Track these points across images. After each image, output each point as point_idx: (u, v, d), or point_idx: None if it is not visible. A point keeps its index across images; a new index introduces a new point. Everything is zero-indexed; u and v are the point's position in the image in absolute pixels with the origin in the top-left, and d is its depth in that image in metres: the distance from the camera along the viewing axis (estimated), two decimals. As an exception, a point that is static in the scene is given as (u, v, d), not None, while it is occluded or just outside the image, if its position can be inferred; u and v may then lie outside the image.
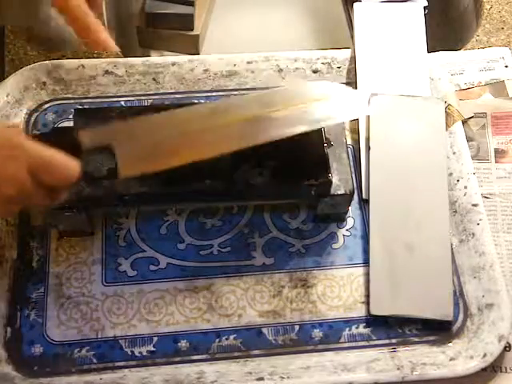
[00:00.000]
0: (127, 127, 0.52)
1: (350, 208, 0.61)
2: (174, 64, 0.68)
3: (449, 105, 0.66)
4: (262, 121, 0.53)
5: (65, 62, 0.67)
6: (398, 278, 0.57)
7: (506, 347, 0.56)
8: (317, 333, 0.56)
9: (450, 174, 0.62)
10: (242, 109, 0.53)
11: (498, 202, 0.63)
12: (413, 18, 0.70)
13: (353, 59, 0.69)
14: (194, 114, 0.54)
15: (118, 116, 0.57)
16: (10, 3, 0.69)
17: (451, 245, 0.60)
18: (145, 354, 0.55)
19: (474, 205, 0.60)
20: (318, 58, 0.69)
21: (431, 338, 0.56)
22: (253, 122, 0.53)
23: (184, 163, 0.50)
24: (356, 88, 0.66)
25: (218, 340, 0.56)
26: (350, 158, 0.63)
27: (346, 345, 0.56)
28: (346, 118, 0.53)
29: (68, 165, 0.46)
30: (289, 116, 0.53)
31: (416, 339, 0.56)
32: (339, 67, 0.69)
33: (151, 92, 0.67)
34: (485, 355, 0.54)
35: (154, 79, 0.67)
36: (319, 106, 0.53)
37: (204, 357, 0.55)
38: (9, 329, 0.55)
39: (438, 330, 0.56)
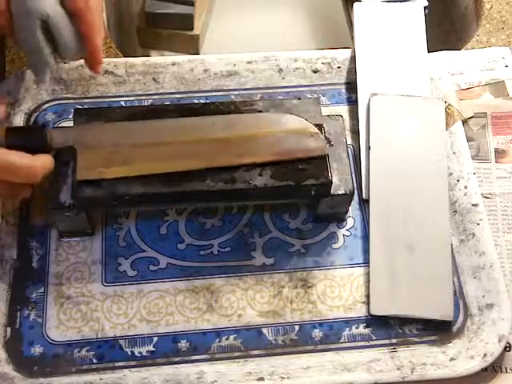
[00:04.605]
0: (96, 131, 0.56)
1: (350, 208, 0.61)
2: (173, 64, 0.68)
3: (449, 105, 0.66)
4: (228, 143, 0.55)
5: (65, 61, 0.67)
6: (398, 278, 0.57)
7: (506, 347, 0.56)
8: (317, 333, 0.56)
9: (450, 174, 0.62)
10: (210, 129, 0.56)
11: (497, 201, 0.63)
12: (413, 18, 0.70)
13: (353, 59, 0.69)
14: (164, 126, 0.56)
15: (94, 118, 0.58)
16: None
17: (451, 245, 0.60)
18: (145, 354, 0.55)
19: (474, 205, 0.60)
20: (318, 58, 0.69)
21: (431, 337, 0.56)
22: (218, 143, 0.55)
23: (139, 173, 0.54)
24: (356, 88, 0.66)
25: (217, 340, 0.56)
26: (350, 157, 0.63)
27: (346, 345, 0.56)
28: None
29: (31, 166, 0.50)
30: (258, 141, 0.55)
31: (416, 339, 0.56)
32: (339, 67, 0.69)
33: (151, 92, 0.67)
34: (485, 355, 0.54)
35: (153, 79, 0.67)
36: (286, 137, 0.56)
37: (204, 357, 0.55)
38: (9, 329, 0.55)
39: (438, 330, 0.56)
